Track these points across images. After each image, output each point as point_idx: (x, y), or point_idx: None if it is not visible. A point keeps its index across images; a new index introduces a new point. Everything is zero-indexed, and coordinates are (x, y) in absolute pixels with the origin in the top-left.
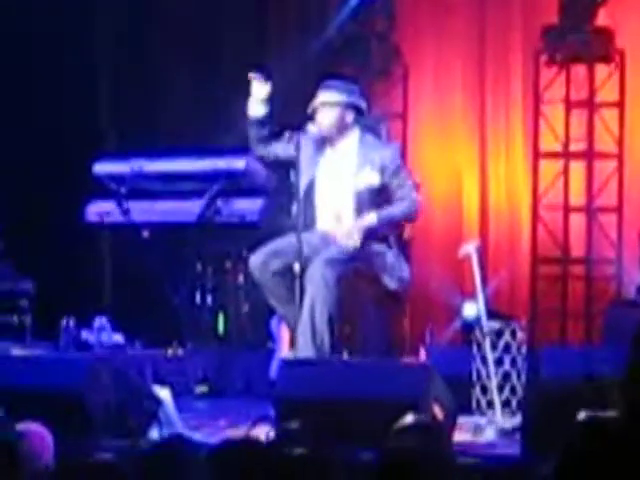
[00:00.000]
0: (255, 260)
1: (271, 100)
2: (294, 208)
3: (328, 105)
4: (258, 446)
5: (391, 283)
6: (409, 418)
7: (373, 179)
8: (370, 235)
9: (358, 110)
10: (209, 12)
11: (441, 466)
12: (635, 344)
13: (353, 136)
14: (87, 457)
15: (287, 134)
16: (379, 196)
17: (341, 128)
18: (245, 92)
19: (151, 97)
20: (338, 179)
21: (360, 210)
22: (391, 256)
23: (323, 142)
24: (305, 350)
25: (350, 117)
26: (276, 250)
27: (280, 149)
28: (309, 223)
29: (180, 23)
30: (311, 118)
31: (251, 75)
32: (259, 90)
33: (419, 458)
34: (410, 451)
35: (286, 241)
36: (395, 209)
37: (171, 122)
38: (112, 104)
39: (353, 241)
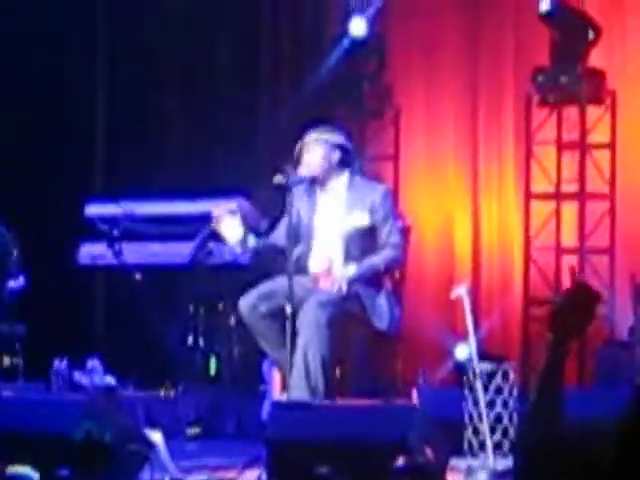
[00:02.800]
0: (244, 303)
1: (252, 228)
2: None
3: (313, 142)
4: None
5: (381, 324)
6: (402, 460)
7: (362, 221)
8: (358, 280)
9: (345, 151)
10: (205, 57)
11: None
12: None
13: (342, 179)
14: None
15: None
16: (368, 238)
17: (329, 168)
18: (239, 132)
19: (147, 147)
20: (328, 222)
21: (349, 253)
22: (382, 298)
23: (313, 186)
24: (299, 393)
25: (336, 156)
26: (266, 292)
27: (278, 239)
28: (302, 265)
29: (175, 64)
30: (299, 163)
31: (217, 215)
32: (231, 231)
33: None
34: None
35: (276, 283)
36: (378, 259)
37: (165, 166)
38: (105, 147)
39: (338, 290)
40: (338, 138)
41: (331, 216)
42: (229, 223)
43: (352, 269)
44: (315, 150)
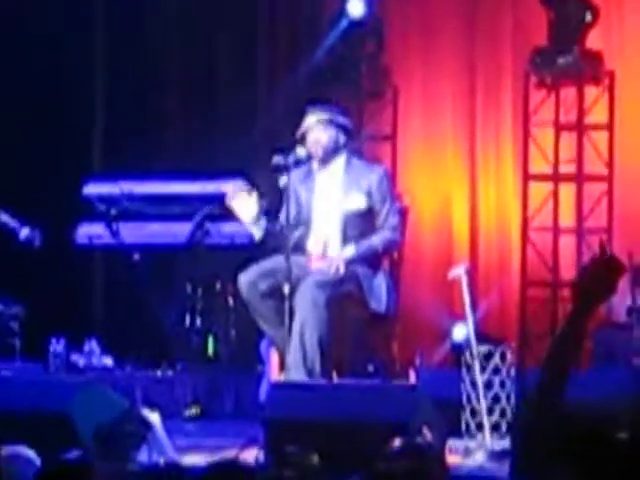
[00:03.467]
0: (244, 279)
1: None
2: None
3: (325, 123)
4: (245, 469)
5: (379, 306)
6: (399, 441)
7: (359, 203)
8: (356, 261)
9: (346, 132)
10: (201, 40)
11: None
12: None
13: (340, 159)
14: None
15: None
16: (366, 219)
17: (335, 149)
18: (237, 114)
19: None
20: (326, 203)
21: (346, 234)
22: (379, 279)
23: (311, 167)
24: (296, 373)
25: (338, 137)
26: (265, 271)
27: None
28: (302, 245)
29: (173, 46)
30: (300, 141)
31: (232, 193)
32: (246, 209)
33: None
34: (400, 474)
35: (276, 262)
36: (376, 240)
37: (163, 148)
38: (105, 126)
39: (335, 271)
40: (341, 118)
41: (328, 197)
42: (244, 200)
43: (350, 250)
44: (319, 131)
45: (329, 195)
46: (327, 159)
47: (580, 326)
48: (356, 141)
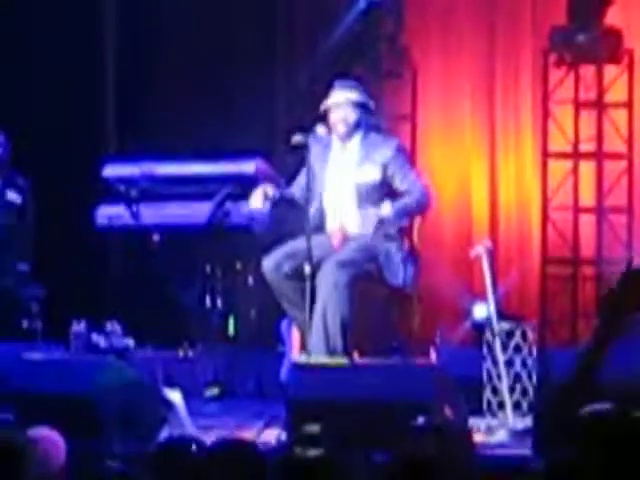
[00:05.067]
0: (268, 262)
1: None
2: (306, 210)
3: (353, 103)
4: (251, 447)
5: (396, 280)
6: (421, 419)
7: (374, 175)
8: (382, 229)
9: (366, 110)
10: (218, 15)
11: (459, 469)
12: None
13: (358, 136)
14: (99, 462)
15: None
16: (380, 192)
17: (356, 127)
18: (256, 94)
19: (159, 99)
20: (340, 176)
21: (361, 204)
22: (396, 253)
23: (329, 143)
24: (318, 353)
25: (364, 118)
26: (289, 252)
27: (296, 192)
28: (320, 225)
29: (191, 34)
30: (322, 118)
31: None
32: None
33: (435, 460)
34: (426, 453)
35: (298, 243)
36: (408, 200)
37: (178, 123)
38: (119, 106)
39: (366, 229)
40: (363, 97)
41: (343, 171)
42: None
43: (387, 207)
44: (347, 110)
45: (344, 169)
46: (348, 136)
47: (608, 339)
48: (376, 118)
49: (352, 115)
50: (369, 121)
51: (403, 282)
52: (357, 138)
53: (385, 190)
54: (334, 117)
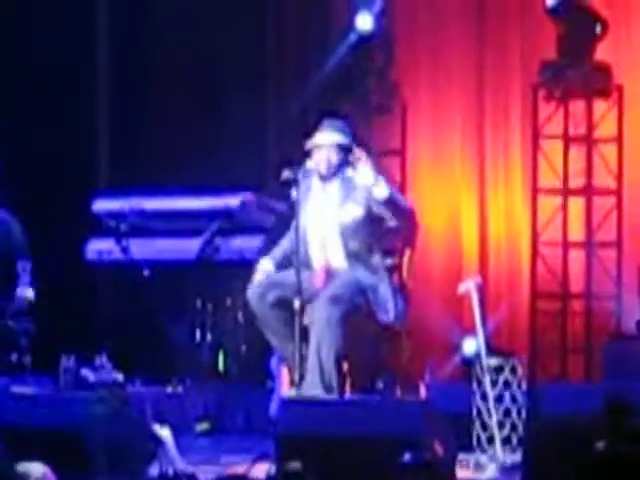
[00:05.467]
0: (253, 290)
1: None
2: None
3: (340, 147)
4: None
5: (387, 317)
6: (409, 455)
7: (357, 212)
8: (359, 259)
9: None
10: (211, 53)
11: None
12: None
13: (339, 177)
14: None
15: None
16: (364, 229)
17: (339, 170)
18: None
19: (149, 134)
20: (323, 216)
21: (346, 242)
22: (383, 288)
23: (310, 183)
24: (313, 389)
25: (342, 157)
26: (274, 282)
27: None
28: (305, 261)
29: (181, 66)
30: (308, 154)
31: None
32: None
33: None
34: None
35: (285, 275)
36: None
37: (170, 157)
38: (111, 139)
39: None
40: (348, 140)
41: (326, 211)
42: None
43: (384, 188)
44: (332, 152)
45: (326, 209)
46: (329, 178)
47: None
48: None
49: (335, 157)
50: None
51: (395, 318)
52: (336, 181)
53: (370, 226)
54: (317, 157)
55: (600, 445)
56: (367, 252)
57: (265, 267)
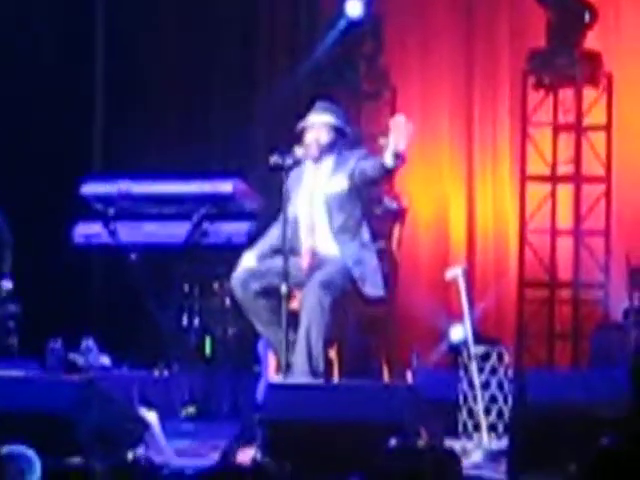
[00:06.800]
0: (237, 277)
1: None
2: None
3: (330, 127)
4: (245, 471)
5: (374, 290)
6: (395, 441)
7: (342, 184)
8: (346, 232)
9: (342, 134)
10: (201, 39)
11: None
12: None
13: (331, 158)
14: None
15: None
16: (350, 202)
17: (329, 149)
18: (235, 114)
19: (141, 122)
20: (312, 194)
21: (331, 214)
22: (372, 262)
23: (302, 169)
24: (301, 374)
25: (339, 142)
26: (257, 271)
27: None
28: (294, 247)
29: (172, 51)
30: (298, 139)
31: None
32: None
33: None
34: (397, 474)
35: (271, 262)
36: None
37: (160, 146)
38: (103, 125)
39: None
40: (339, 121)
41: (315, 188)
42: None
43: (389, 158)
44: (321, 132)
45: (316, 187)
46: (320, 158)
47: None
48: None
49: (325, 137)
50: (344, 145)
51: (384, 291)
52: (330, 160)
53: (355, 198)
54: (308, 138)
55: (605, 440)
56: (355, 225)
57: (247, 263)
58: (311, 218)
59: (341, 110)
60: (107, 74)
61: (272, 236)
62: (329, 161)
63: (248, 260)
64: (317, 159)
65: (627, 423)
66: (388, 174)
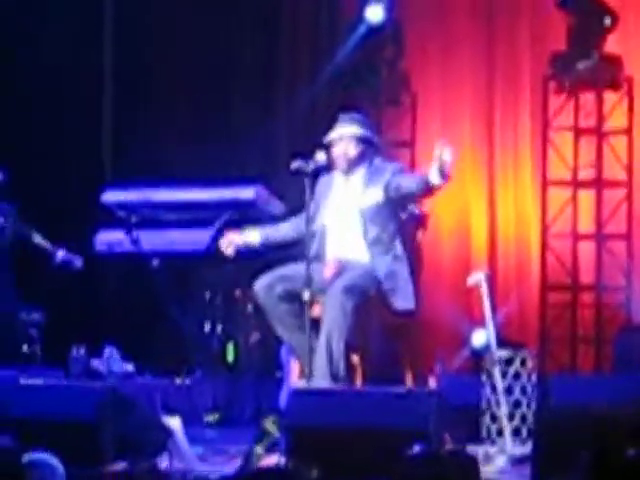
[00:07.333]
0: (260, 283)
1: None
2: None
3: (357, 139)
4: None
5: (405, 303)
6: (418, 447)
7: (377, 196)
8: (379, 244)
9: (370, 144)
10: (219, 42)
11: None
12: None
13: (362, 169)
14: None
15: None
16: (384, 214)
17: (359, 161)
18: (257, 119)
19: (156, 128)
20: (344, 207)
21: (365, 226)
22: (404, 275)
23: (331, 177)
24: (321, 379)
25: (368, 152)
26: (283, 275)
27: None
28: (319, 255)
29: (188, 53)
30: (322, 145)
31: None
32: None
33: None
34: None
35: (294, 268)
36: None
37: (183, 153)
38: (118, 132)
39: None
40: (366, 131)
41: (348, 201)
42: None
43: (435, 175)
44: (349, 145)
45: (348, 200)
46: (350, 170)
47: None
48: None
49: (353, 150)
50: (374, 155)
51: (412, 304)
52: (361, 172)
53: (389, 211)
54: (335, 151)
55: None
56: (389, 238)
57: (248, 237)
58: (340, 229)
59: (366, 119)
60: (115, 74)
61: (283, 230)
62: (360, 172)
63: (251, 234)
64: (347, 172)
65: None
66: (431, 191)
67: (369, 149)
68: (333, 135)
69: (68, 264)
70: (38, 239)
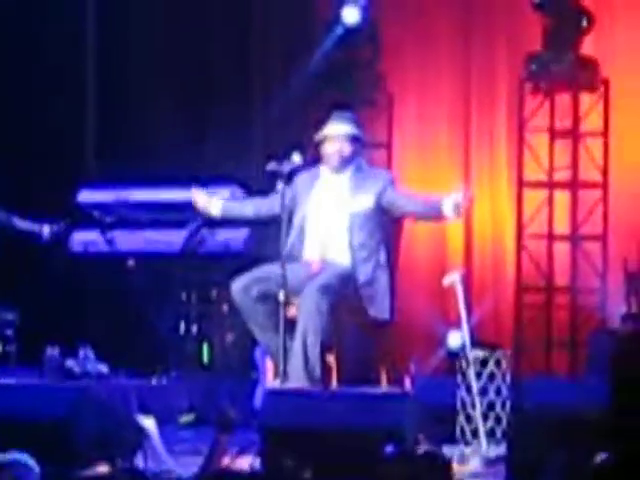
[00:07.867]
0: (237, 284)
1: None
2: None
3: (352, 138)
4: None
5: (380, 314)
6: (392, 447)
7: (368, 203)
8: (363, 251)
9: (360, 142)
10: (198, 45)
11: None
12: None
13: (350, 168)
14: None
15: (279, 187)
16: (372, 220)
17: (350, 160)
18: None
19: (136, 126)
20: (331, 207)
21: (352, 231)
22: (383, 285)
23: (316, 174)
24: (297, 379)
25: (353, 148)
26: (259, 276)
27: (276, 205)
28: (296, 254)
29: (166, 52)
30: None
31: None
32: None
33: None
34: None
35: (270, 269)
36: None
37: (156, 152)
38: (97, 131)
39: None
40: (359, 131)
41: (336, 202)
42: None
43: (449, 206)
44: (344, 143)
45: (336, 200)
46: (340, 168)
47: None
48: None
49: (348, 148)
50: (361, 154)
51: (389, 315)
52: (350, 170)
53: (378, 219)
54: (330, 149)
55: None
56: (375, 245)
57: (211, 206)
58: (324, 227)
59: (358, 118)
60: (101, 76)
61: (259, 204)
62: (349, 172)
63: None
64: (338, 169)
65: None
66: (439, 221)
67: (360, 149)
68: (330, 132)
69: (58, 235)
70: (19, 223)
